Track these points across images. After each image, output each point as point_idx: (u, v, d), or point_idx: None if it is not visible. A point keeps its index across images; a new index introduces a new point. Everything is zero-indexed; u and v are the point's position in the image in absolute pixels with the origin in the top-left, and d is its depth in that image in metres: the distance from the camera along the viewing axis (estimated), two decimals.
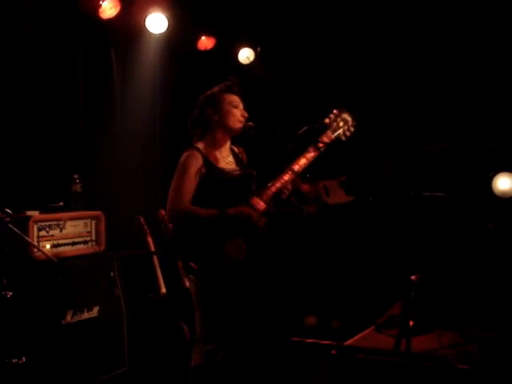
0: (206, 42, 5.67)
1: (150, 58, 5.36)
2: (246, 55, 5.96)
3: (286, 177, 3.23)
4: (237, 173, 3.31)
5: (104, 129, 4.97)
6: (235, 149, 3.45)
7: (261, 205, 3.14)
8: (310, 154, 3.30)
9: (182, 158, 3.19)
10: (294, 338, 4.42)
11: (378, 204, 4.72)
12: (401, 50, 5.35)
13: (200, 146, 3.24)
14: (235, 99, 3.33)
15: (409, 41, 5.29)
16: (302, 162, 3.27)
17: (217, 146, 3.29)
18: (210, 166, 3.18)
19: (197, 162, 3.15)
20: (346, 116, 3.45)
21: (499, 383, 2.86)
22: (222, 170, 3.23)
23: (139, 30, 5.15)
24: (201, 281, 3.13)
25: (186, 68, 5.70)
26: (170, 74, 5.59)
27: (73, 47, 4.70)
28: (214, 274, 3.09)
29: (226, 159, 3.31)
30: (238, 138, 3.44)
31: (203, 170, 3.16)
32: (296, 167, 3.25)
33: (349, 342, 3.18)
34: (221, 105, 3.28)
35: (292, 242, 5.27)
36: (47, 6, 4.41)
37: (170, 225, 3.29)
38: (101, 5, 4.65)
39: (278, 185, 3.21)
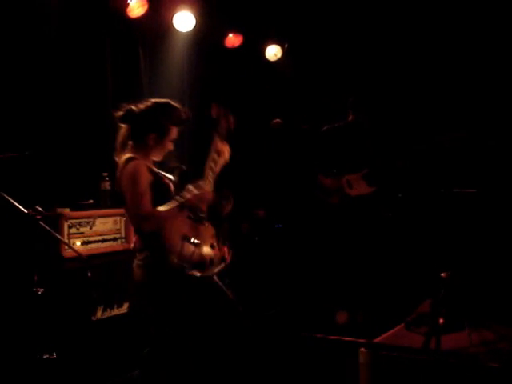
0: (233, 40, 5.69)
1: (177, 56, 5.40)
2: (273, 52, 5.95)
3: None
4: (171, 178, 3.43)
5: None
6: None
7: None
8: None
9: (130, 168, 3.22)
10: (319, 335, 4.39)
11: (408, 200, 4.68)
12: (424, 48, 5.34)
13: (138, 157, 3.31)
14: (176, 134, 3.43)
15: (432, 40, 5.28)
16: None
17: (148, 159, 3.37)
18: (153, 172, 3.30)
19: (145, 169, 3.23)
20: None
21: None
22: (163, 175, 3.37)
23: (167, 29, 5.18)
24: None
25: (214, 66, 5.72)
26: (197, 71, 5.61)
27: (101, 46, 4.75)
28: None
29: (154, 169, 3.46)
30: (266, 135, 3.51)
31: (150, 177, 3.24)
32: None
33: (377, 340, 3.15)
34: (165, 135, 3.38)
35: (321, 236, 5.27)
36: (76, 6, 4.46)
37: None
38: (129, 4, 4.70)
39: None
